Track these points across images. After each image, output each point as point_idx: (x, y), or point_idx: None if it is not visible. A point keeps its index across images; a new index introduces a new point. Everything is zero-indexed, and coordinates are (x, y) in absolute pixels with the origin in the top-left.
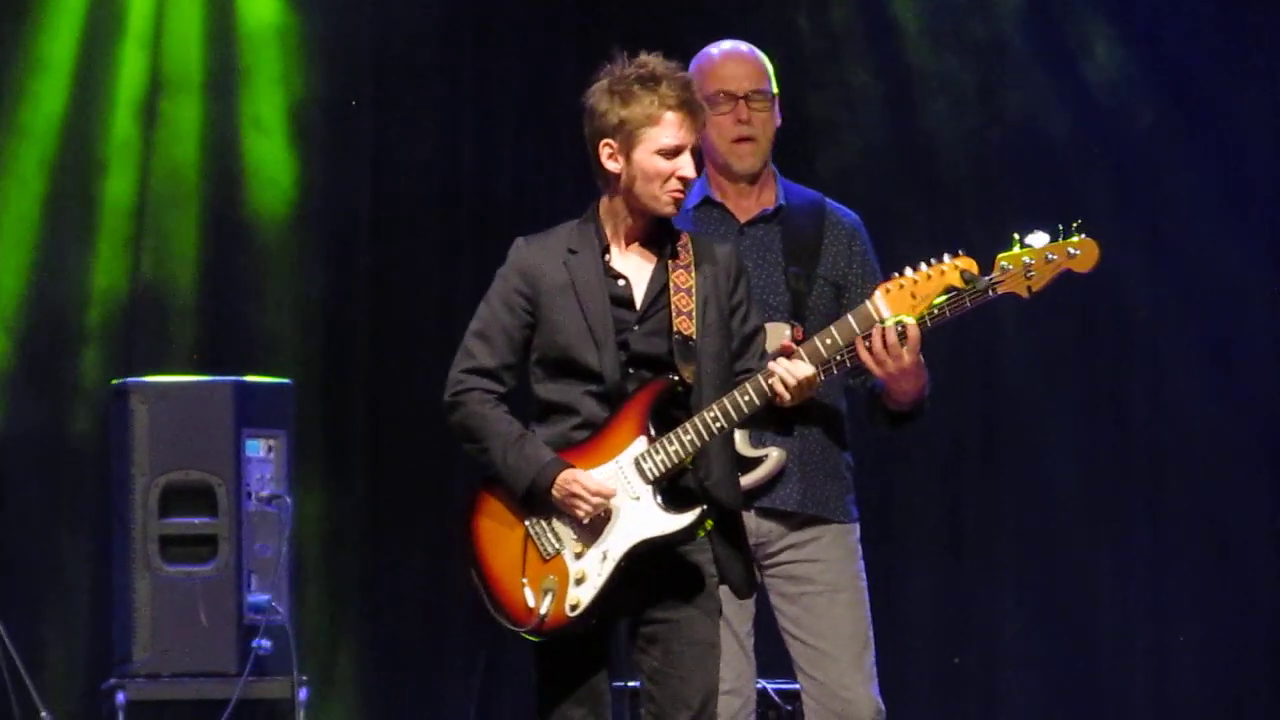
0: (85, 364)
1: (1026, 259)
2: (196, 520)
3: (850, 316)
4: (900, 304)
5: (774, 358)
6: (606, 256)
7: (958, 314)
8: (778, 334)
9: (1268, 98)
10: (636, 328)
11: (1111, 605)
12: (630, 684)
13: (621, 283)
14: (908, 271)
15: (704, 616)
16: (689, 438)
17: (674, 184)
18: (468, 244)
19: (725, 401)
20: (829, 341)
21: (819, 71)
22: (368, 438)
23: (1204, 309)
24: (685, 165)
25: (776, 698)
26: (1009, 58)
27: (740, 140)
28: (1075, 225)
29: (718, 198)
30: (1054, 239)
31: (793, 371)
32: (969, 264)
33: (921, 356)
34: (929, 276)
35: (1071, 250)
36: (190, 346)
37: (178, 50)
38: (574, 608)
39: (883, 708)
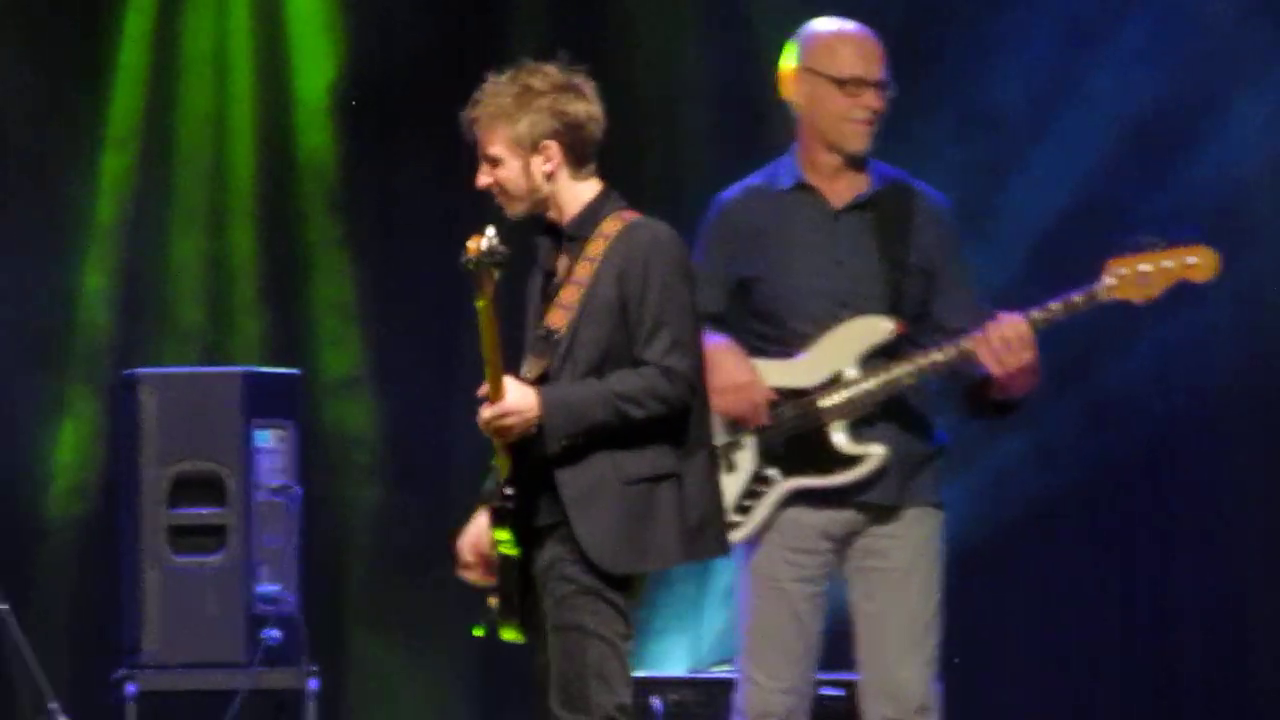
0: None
1: (1141, 265)
2: (205, 511)
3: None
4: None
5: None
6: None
7: (1070, 316)
8: (877, 327)
9: None
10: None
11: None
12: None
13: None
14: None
15: (559, 603)
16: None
17: None
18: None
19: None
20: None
21: None
22: (379, 427)
23: None
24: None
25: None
26: None
27: (860, 121)
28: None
29: (812, 180)
30: (1169, 246)
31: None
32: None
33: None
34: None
35: (1189, 259)
36: (199, 337)
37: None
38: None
39: (932, 699)
